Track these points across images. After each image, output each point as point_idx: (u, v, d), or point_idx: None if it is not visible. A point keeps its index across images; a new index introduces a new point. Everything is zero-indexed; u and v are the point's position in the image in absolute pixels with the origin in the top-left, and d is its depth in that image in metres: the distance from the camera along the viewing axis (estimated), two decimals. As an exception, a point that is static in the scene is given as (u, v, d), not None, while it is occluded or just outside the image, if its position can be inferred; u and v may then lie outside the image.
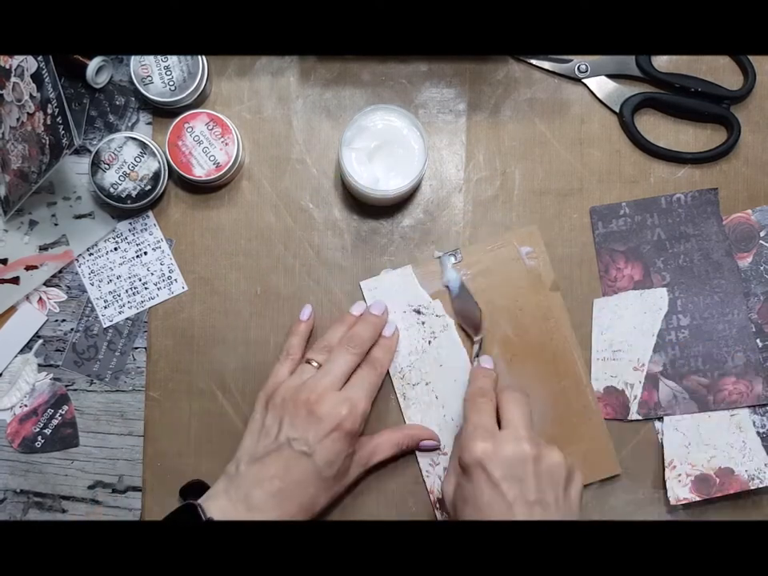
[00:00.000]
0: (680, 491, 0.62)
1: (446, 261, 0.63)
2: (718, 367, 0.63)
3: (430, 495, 0.63)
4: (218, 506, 0.55)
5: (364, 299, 0.64)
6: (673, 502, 0.62)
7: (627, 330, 0.63)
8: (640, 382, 0.63)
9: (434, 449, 0.62)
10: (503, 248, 0.64)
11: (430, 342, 0.64)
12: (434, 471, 0.63)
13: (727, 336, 0.63)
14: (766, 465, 0.62)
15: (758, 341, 0.63)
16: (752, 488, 0.62)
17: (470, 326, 0.63)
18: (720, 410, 0.62)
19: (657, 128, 0.65)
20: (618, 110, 0.65)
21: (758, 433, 0.62)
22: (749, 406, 0.62)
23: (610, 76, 0.65)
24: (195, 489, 0.60)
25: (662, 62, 0.65)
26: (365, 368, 0.60)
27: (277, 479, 0.55)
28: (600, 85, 0.65)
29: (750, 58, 0.65)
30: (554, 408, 0.63)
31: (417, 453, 0.63)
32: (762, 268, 0.64)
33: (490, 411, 0.56)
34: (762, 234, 0.64)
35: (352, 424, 0.56)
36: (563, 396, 0.63)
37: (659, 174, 0.65)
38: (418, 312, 0.64)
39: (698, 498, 0.62)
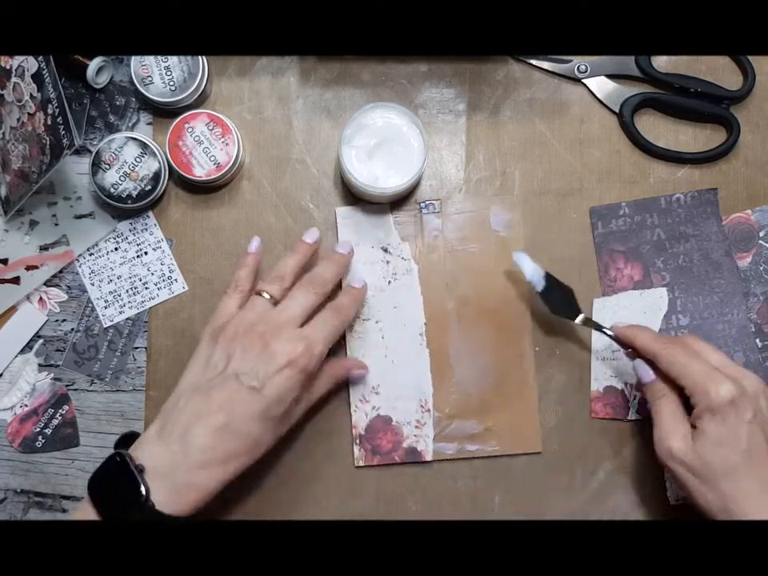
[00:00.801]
0: (678, 490, 0.62)
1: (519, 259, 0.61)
2: None
3: (353, 430, 0.63)
4: (148, 452, 0.51)
5: (336, 226, 0.64)
6: (672, 501, 0.62)
7: None
8: None
9: (362, 377, 0.62)
10: (482, 210, 0.64)
11: (389, 282, 0.64)
12: (361, 407, 0.63)
13: (726, 336, 0.63)
14: None
15: (757, 340, 0.63)
16: None
17: (568, 311, 0.61)
18: None
19: (656, 128, 0.65)
20: (617, 110, 0.65)
21: None
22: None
23: (609, 76, 0.65)
24: (130, 441, 0.54)
25: (662, 63, 0.65)
26: (329, 311, 0.57)
27: (221, 413, 0.51)
28: (600, 85, 0.65)
29: (750, 58, 0.65)
30: (493, 374, 0.63)
31: (350, 388, 0.63)
32: (761, 268, 0.64)
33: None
34: (761, 234, 0.64)
35: (306, 363, 0.53)
36: (504, 365, 0.63)
37: (659, 174, 0.65)
38: (385, 250, 0.64)
39: None
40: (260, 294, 0.57)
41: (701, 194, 0.64)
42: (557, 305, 0.61)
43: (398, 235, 0.64)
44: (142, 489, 0.49)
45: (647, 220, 0.64)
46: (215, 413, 0.52)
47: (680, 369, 0.53)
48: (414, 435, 0.63)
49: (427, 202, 0.64)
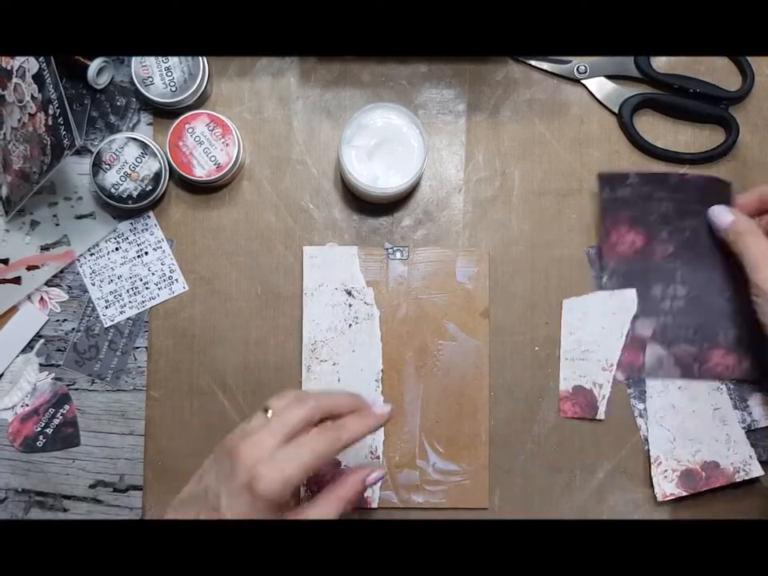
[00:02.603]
0: (666, 487, 0.62)
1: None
2: (709, 339, 0.62)
3: None
4: None
5: (301, 264, 0.64)
6: (660, 498, 0.62)
7: (596, 330, 0.63)
8: (608, 382, 0.63)
9: (382, 478, 0.52)
10: (449, 261, 0.64)
11: (350, 326, 0.64)
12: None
13: (723, 311, 0.62)
14: (751, 457, 0.62)
15: None
16: (737, 480, 0.62)
17: None
18: (705, 380, 0.63)
19: (656, 129, 0.66)
20: (617, 111, 0.65)
21: (741, 426, 0.63)
22: (734, 380, 0.63)
23: (609, 77, 0.65)
24: None
25: (661, 63, 0.66)
26: (321, 430, 0.48)
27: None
28: (599, 85, 0.65)
29: (749, 58, 0.65)
30: (447, 425, 0.63)
31: None
32: None
33: None
34: None
35: (265, 486, 0.44)
36: (459, 417, 0.63)
37: (658, 175, 0.65)
38: (349, 293, 0.64)
39: (684, 493, 0.62)
40: (265, 410, 0.49)
41: (717, 180, 0.63)
42: None
43: (363, 279, 0.64)
44: None
45: (655, 192, 0.63)
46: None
47: None
48: None
49: (395, 248, 0.64)
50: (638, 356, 0.63)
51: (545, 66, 0.65)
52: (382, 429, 0.63)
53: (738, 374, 0.62)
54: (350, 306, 0.64)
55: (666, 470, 0.62)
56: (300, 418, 0.47)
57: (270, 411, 0.48)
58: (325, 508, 0.48)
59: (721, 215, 0.59)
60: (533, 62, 0.65)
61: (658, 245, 0.63)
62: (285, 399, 0.49)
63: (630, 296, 0.63)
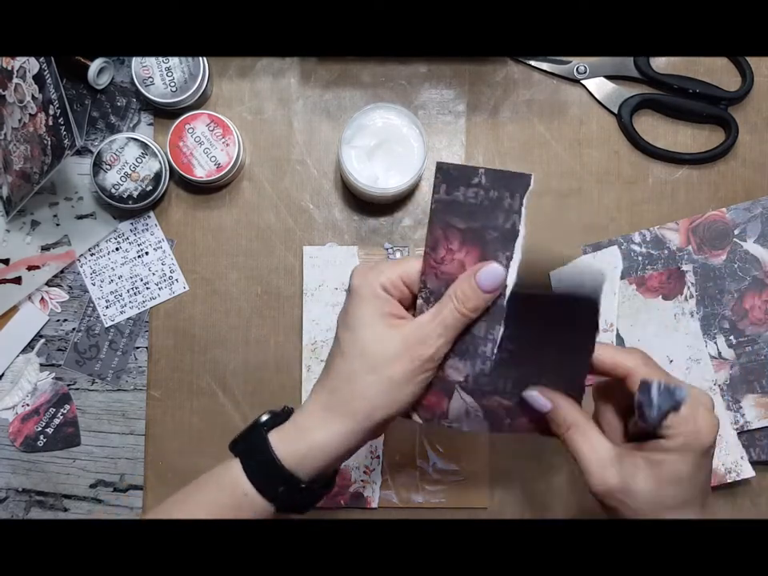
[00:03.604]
0: None
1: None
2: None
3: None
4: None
5: (301, 264, 0.64)
6: None
7: None
8: (611, 341, 0.64)
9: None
10: None
11: None
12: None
13: (553, 365, 0.48)
14: (742, 458, 0.62)
15: (731, 337, 0.64)
16: (728, 481, 0.62)
17: None
18: (513, 433, 0.50)
19: (655, 129, 0.66)
20: (616, 111, 0.65)
21: (733, 427, 0.63)
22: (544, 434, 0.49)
23: (608, 77, 0.65)
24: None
25: (661, 64, 0.66)
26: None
27: None
28: (599, 86, 0.65)
29: (748, 59, 0.65)
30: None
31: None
32: (735, 266, 0.64)
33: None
34: (735, 231, 0.64)
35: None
36: None
37: (657, 175, 0.65)
38: None
39: None
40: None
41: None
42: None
43: None
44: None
45: (504, 199, 0.48)
46: None
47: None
48: (362, 480, 0.63)
49: (395, 248, 0.64)
50: (443, 401, 0.50)
51: (544, 66, 0.65)
52: None
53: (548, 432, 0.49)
54: None
55: None
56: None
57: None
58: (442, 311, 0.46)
59: (535, 402, 0.47)
60: (532, 63, 0.66)
61: None
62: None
63: (612, 252, 0.64)
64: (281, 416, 0.49)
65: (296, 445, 0.47)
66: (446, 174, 0.48)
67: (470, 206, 0.49)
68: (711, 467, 0.47)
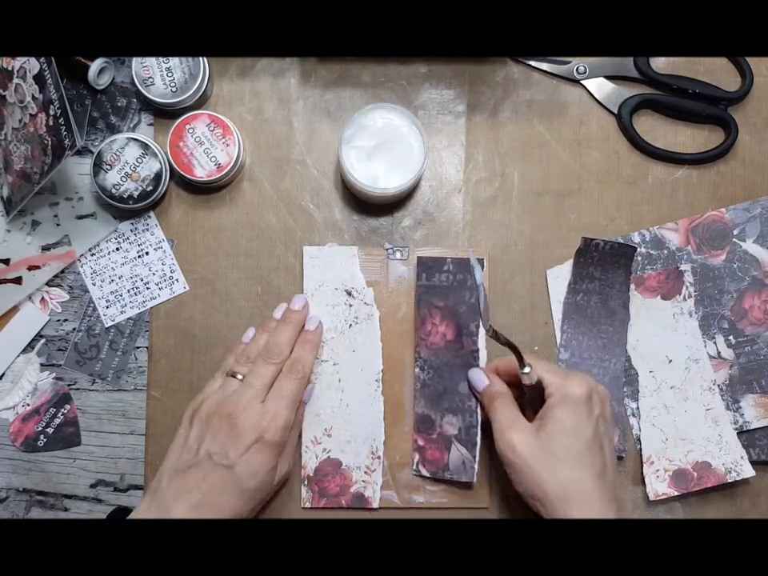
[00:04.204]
0: (658, 486, 0.62)
1: (473, 261, 0.57)
2: None
3: (302, 470, 0.63)
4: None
5: (302, 264, 0.64)
6: (652, 497, 0.62)
7: None
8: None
9: (311, 391, 0.62)
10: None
11: (350, 326, 0.64)
12: (312, 448, 0.63)
13: (599, 381, 0.61)
14: (742, 457, 0.62)
15: (731, 337, 0.64)
16: (729, 481, 0.62)
17: (484, 321, 0.56)
18: None
19: (655, 129, 0.66)
20: (616, 111, 0.65)
21: (733, 427, 0.63)
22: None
23: (608, 77, 0.66)
24: (123, 515, 0.60)
25: (660, 64, 0.66)
26: (285, 375, 0.58)
27: (196, 491, 0.54)
28: (598, 86, 0.66)
29: (748, 59, 0.65)
30: None
31: (302, 429, 0.63)
32: (734, 266, 0.64)
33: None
34: (735, 231, 0.65)
35: (272, 436, 0.56)
36: None
37: (657, 175, 0.65)
38: (349, 294, 0.64)
39: (676, 493, 0.62)
40: (234, 377, 0.59)
41: (621, 246, 0.62)
42: (484, 317, 0.56)
43: (363, 279, 0.64)
44: None
45: (467, 280, 0.62)
46: (191, 491, 0.55)
47: (546, 368, 0.57)
48: (363, 481, 0.63)
49: (395, 248, 0.64)
50: (444, 455, 0.62)
51: (544, 66, 0.66)
52: (383, 429, 0.63)
53: None
54: (350, 306, 0.64)
55: (657, 470, 0.63)
56: (272, 375, 0.58)
57: (238, 375, 0.59)
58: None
59: (476, 378, 0.60)
60: (532, 63, 0.66)
61: (466, 338, 0.62)
62: (242, 362, 0.60)
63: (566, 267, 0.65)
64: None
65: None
66: (424, 265, 0.63)
67: (444, 288, 0.63)
68: (601, 435, 0.55)
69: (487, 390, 0.59)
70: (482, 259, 0.63)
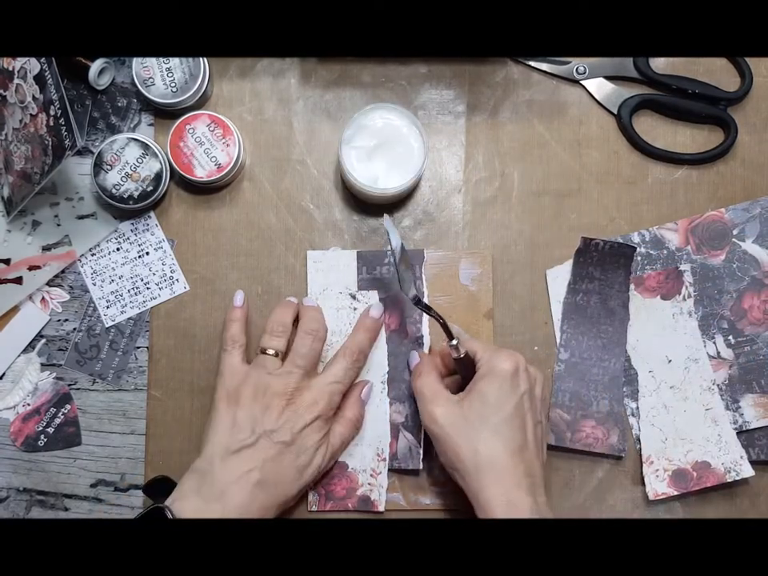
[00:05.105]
0: (658, 486, 0.62)
1: (388, 224, 0.58)
2: (582, 408, 0.63)
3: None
4: (190, 507, 0.54)
5: (302, 265, 0.64)
6: (651, 497, 0.62)
7: None
8: None
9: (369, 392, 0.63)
10: (452, 264, 0.64)
11: None
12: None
13: (598, 381, 0.63)
14: (741, 457, 0.62)
15: (730, 337, 0.64)
16: (728, 481, 0.62)
17: (407, 288, 0.58)
18: (576, 449, 0.63)
19: (654, 129, 0.66)
20: (616, 112, 0.65)
21: (732, 427, 0.63)
22: (600, 454, 0.63)
23: (608, 78, 0.66)
24: (161, 486, 0.59)
25: (660, 64, 0.66)
26: (342, 356, 0.61)
27: (256, 470, 0.56)
28: (598, 86, 0.66)
29: (747, 59, 0.65)
30: None
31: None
32: (734, 266, 0.64)
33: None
34: (734, 231, 0.65)
35: (329, 413, 0.59)
36: None
37: (657, 175, 0.65)
38: (353, 297, 0.64)
39: (675, 493, 0.62)
40: (265, 353, 0.60)
41: (620, 246, 0.62)
42: (404, 279, 0.58)
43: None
44: None
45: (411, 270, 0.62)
46: (249, 471, 0.56)
47: (478, 344, 0.58)
48: (369, 484, 0.62)
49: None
50: (393, 443, 0.63)
51: (544, 66, 0.66)
52: (389, 431, 0.63)
53: (605, 448, 0.63)
54: (355, 309, 0.64)
55: (657, 470, 0.63)
56: (316, 353, 0.61)
57: (269, 351, 0.60)
58: (339, 428, 0.61)
59: (411, 360, 0.62)
60: (532, 63, 0.66)
61: (410, 326, 0.64)
62: (279, 337, 0.60)
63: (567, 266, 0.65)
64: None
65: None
66: (364, 259, 0.64)
67: (386, 280, 0.64)
68: (524, 411, 0.55)
69: (415, 368, 0.61)
70: (422, 250, 0.64)
